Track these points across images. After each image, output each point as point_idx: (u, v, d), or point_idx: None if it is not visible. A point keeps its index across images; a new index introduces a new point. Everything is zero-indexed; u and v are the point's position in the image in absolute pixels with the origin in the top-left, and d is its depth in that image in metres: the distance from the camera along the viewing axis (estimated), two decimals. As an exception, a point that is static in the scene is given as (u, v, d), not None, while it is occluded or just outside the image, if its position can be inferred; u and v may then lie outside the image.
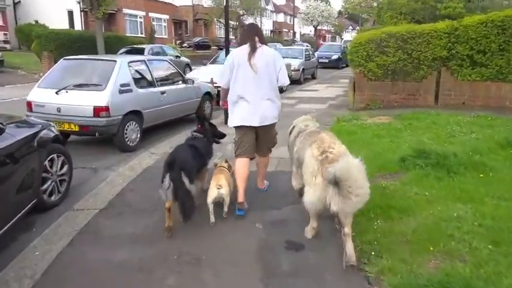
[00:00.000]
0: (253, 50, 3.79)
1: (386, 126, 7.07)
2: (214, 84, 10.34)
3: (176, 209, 3.44)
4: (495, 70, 8.49)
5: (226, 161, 4.20)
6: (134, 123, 6.62)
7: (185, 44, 35.36)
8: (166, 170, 3.44)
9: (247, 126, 3.91)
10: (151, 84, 7.21)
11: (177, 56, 19.36)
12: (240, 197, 3.84)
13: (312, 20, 57.42)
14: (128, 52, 17.40)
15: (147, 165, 5.54)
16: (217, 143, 4.55)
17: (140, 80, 7.06)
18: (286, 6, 65.77)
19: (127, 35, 29.55)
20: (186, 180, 3.41)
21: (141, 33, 33.13)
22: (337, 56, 25.81)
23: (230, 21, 41.42)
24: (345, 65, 27.46)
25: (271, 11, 61.23)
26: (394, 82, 9.35)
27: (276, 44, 34.51)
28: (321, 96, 12.41)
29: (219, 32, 43.62)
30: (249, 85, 3.80)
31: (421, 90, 9.21)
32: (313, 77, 19.40)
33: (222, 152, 5.70)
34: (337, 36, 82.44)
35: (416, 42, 9.04)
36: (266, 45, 3.97)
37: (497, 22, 8.27)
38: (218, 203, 3.76)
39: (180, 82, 8.22)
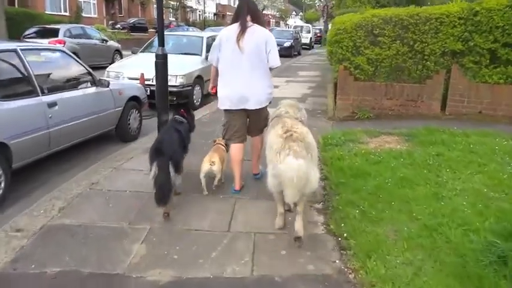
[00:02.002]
0: (243, 30, 3.68)
1: (406, 157, 4.67)
2: (146, 82, 7.49)
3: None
4: (526, 70, 6.42)
5: (224, 138, 4.17)
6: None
7: (118, 26, 31.17)
8: (153, 157, 3.43)
9: (235, 110, 3.86)
10: (29, 91, 4.27)
11: (103, 40, 15.91)
12: (237, 185, 3.97)
13: (257, 4, 54.74)
14: (37, 33, 13.77)
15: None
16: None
17: (6, 85, 4.12)
18: (230, -13, 62.30)
19: (46, 12, 25.09)
20: (172, 170, 3.41)
21: (65, 11, 28.49)
22: (289, 44, 23.39)
23: (170, 1, 37.79)
24: (296, 53, 25.31)
25: (214, -8, 57.53)
26: (389, 83, 7.02)
27: (221, 27, 31.60)
28: (284, 96, 9.79)
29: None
30: (236, 67, 3.72)
31: (424, 95, 6.96)
32: (268, 68, 16.82)
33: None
34: (281, 22, 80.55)
35: (421, 30, 6.74)
36: (263, 25, 3.84)
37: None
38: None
39: (88, 85, 5.30)
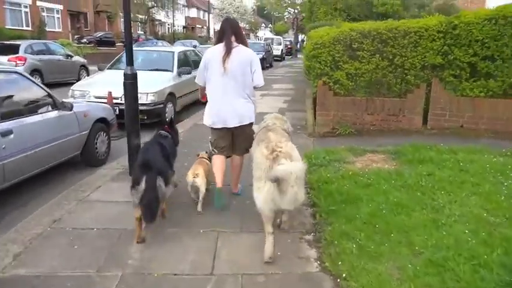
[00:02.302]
0: (228, 51, 3.74)
1: (397, 178, 4.41)
2: (115, 101, 7.02)
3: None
4: (506, 84, 6.34)
5: (207, 152, 4.33)
6: None
7: (84, 40, 30.21)
8: (141, 172, 3.28)
9: (221, 128, 3.94)
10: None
11: (68, 56, 15.18)
12: (219, 183, 3.94)
13: (227, 17, 54.74)
14: (-4, 50, 12.97)
15: None
16: None
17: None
18: (199, 1, 61.99)
19: (6, 27, 24.05)
20: (162, 184, 3.31)
21: (27, 26, 27.40)
22: (262, 56, 23.11)
23: (138, 15, 37.09)
24: (268, 65, 25.18)
25: (183, 6, 57.11)
26: (369, 98, 6.83)
27: (192, 41, 31.20)
28: (261, 111, 9.50)
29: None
30: (221, 88, 3.81)
31: (406, 109, 6.80)
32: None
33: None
34: (251, 34, 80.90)
35: (400, 44, 6.59)
36: (245, 44, 3.90)
37: (512, 18, 6.12)
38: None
39: (48, 109, 4.81)
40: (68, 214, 3.94)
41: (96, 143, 5.63)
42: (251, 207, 3.37)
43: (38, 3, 28.90)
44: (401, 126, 6.82)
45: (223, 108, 3.85)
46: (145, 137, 6.91)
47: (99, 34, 32.34)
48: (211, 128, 4.02)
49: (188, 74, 9.10)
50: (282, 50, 32.17)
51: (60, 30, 31.28)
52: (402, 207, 3.69)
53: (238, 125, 3.88)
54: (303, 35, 41.86)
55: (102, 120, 5.82)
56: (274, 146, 3.10)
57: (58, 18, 31.56)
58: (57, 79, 13.82)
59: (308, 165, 5.02)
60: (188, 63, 9.73)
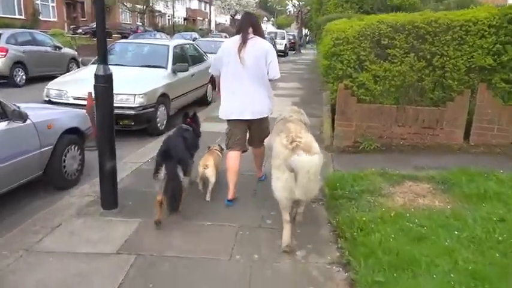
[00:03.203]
0: (244, 42, 3.74)
1: (457, 225, 3.23)
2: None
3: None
4: None
5: (219, 145, 4.39)
6: None
7: (80, 30, 28.92)
8: (161, 160, 3.38)
9: (237, 120, 3.89)
10: None
11: (56, 47, 13.95)
12: (230, 194, 3.87)
13: (229, 9, 53.41)
14: (-25, 40, 11.75)
15: None
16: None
17: None
18: (201, -8, 60.51)
19: (-3, 15, 22.83)
20: (181, 173, 3.37)
21: (19, 14, 26.08)
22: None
23: (137, 5, 35.80)
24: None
25: (184, -3, 55.62)
26: (400, 106, 5.65)
27: (192, 33, 29.95)
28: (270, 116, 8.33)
29: (124, 17, 37.52)
30: (237, 78, 3.78)
31: (444, 121, 5.62)
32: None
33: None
34: (253, 27, 79.27)
35: (441, 40, 5.40)
36: (262, 36, 3.91)
37: None
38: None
39: (-7, 120, 3.65)
40: (5, 276, 2.80)
41: (65, 160, 4.48)
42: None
43: (32, -10, 27.58)
44: (439, 141, 5.65)
45: (239, 100, 3.81)
46: (128, 148, 5.77)
47: (95, 24, 31.02)
48: (227, 120, 3.98)
49: (185, 71, 7.92)
50: (285, 44, 30.81)
51: (55, 19, 29.97)
52: (482, 282, 2.53)
53: (253, 117, 3.86)
54: (307, 30, 40.51)
55: (73, 131, 4.67)
56: (293, 136, 3.12)
57: (53, 7, 30.21)
58: (43, 73, 12.59)
59: (332, 197, 3.91)
60: (185, 59, 8.54)
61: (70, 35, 24.33)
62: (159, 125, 6.99)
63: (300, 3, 36.15)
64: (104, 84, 3.66)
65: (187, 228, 3.46)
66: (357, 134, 5.77)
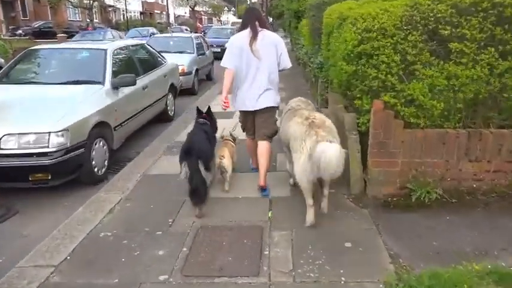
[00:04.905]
0: (254, 35, 3.78)
1: None
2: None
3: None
4: None
5: (231, 134, 4.50)
6: None
7: (20, 31, 25.53)
8: (183, 158, 3.51)
9: (244, 111, 4.06)
10: None
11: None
12: (261, 180, 3.90)
13: (187, 0, 50.47)
14: None
15: None
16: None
17: None
18: (156, -16, 56.99)
19: None
20: (202, 168, 3.46)
21: None
22: (231, 43, 19.68)
23: (84, 0, 32.45)
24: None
25: (138, -11, 52.04)
26: (472, 131, 3.59)
27: (149, 28, 27.15)
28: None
29: (71, 15, 34.02)
30: (250, 71, 3.82)
31: (541, 150, 3.61)
32: (209, 78, 13.08)
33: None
34: (214, 18, 76.39)
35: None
36: (268, 29, 3.93)
37: None
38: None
39: None
40: None
41: None
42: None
43: (-42, -12, 23.98)
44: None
45: (246, 91, 3.88)
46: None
47: (37, 24, 27.61)
48: (239, 111, 4.13)
49: (132, 84, 5.55)
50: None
51: (-10, 20, 26.45)
52: None
53: (256, 108, 3.91)
54: (272, 18, 38.37)
55: None
56: (307, 115, 3.30)
57: (-14, 6, 26.65)
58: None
59: None
60: (132, 66, 6.17)
61: (7, 38, 21.07)
62: (96, 169, 4.66)
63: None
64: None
65: None
66: (405, 175, 3.68)
